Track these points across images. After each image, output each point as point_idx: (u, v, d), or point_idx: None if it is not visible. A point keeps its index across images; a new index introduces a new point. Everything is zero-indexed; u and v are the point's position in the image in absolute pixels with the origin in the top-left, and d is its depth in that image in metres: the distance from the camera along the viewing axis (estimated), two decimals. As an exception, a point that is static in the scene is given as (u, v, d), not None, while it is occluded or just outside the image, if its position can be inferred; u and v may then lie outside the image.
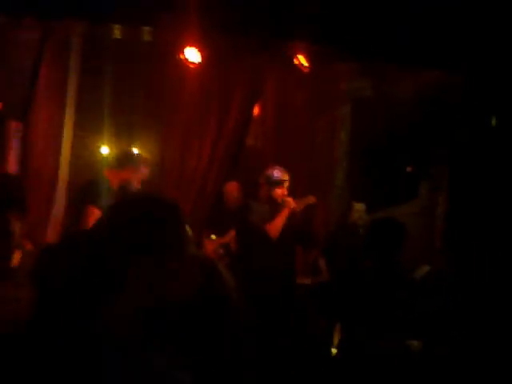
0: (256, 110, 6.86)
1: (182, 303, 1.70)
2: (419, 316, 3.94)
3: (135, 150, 5.12)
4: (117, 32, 5.38)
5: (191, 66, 6.02)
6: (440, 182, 6.69)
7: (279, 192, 5.19)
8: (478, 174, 5.77)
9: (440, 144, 6.26)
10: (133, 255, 1.84)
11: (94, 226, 2.25)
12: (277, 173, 5.21)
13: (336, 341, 4.45)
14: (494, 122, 6.00)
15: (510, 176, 5.81)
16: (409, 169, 6.64)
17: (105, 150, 6.68)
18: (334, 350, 4.37)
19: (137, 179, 4.69)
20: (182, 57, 5.90)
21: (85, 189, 4.57)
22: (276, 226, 5.08)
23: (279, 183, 5.18)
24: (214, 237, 6.19)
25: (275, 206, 5.19)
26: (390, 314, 3.88)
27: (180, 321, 1.68)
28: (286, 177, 5.23)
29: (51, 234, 6.07)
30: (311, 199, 5.78)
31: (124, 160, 4.69)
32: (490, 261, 4.92)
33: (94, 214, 4.17)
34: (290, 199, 5.21)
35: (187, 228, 2.10)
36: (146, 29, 5.33)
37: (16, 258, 2.93)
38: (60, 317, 1.82)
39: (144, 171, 4.76)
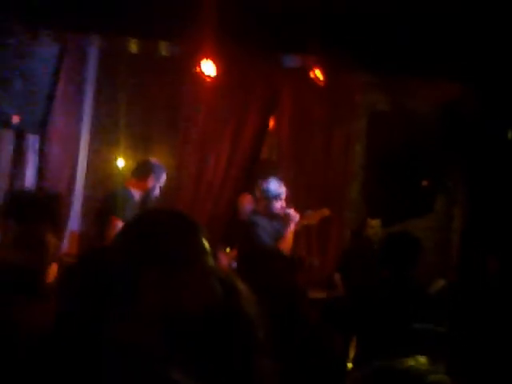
0: (271, 123, 6.87)
1: (199, 316, 1.70)
2: (432, 330, 3.92)
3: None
4: (133, 46, 5.41)
5: (207, 79, 6.05)
6: (456, 196, 6.66)
7: (278, 205, 5.11)
8: (495, 188, 5.73)
9: (457, 158, 6.23)
10: (149, 267, 1.84)
11: (113, 241, 2.25)
12: (274, 185, 5.13)
13: (352, 355, 4.42)
14: (510, 135, 5.96)
15: None
16: (425, 183, 6.61)
17: (121, 162, 6.71)
18: (349, 365, 4.34)
19: (158, 188, 4.72)
20: (198, 70, 5.92)
21: (108, 201, 4.59)
22: (288, 242, 5.04)
23: (278, 196, 5.11)
24: (228, 250, 6.19)
25: (278, 220, 5.13)
26: (404, 329, 3.85)
27: (195, 334, 1.67)
28: (282, 189, 5.17)
29: (68, 247, 6.10)
30: (326, 212, 5.77)
31: (146, 170, 4.73)
32: (504, 276, 4.89)
33: (119, 226, 4.18)
34: (292, 211, 5.15)
35: (205, 241, 2.10)
36: (162, 43, 5.35)
37: (52, 272, 2.92)
38: (76, 332, 1.82)
39: (163, 179, 4.80)
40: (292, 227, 5.07)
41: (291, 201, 6.59)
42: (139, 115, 6.51)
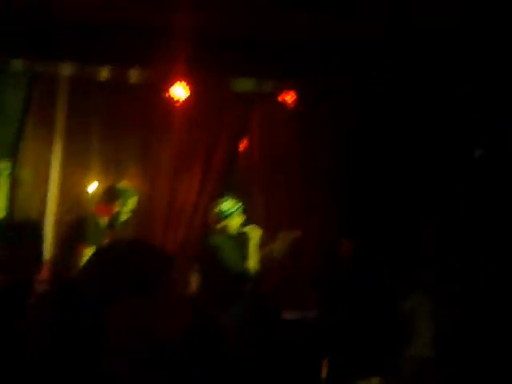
0: (242, 146, 6.93)
1: (171, 342, 1.74)
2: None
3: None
4: (104, 73, 5.45)
5: (178, 102, 6.11)
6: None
7: (234, 223, 5.18)
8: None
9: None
10: (119, 298, 1.87)
11: (82, 271, 2.28)
12: (228, 205, 5.20)
13: (324, 376, 4.47)
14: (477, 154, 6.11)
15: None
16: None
17: (93, 187, 6.70)
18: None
19: (126, 212, 4.72)
20: (168, 95, 5.99)
21: (76, 227, 4.59)
22: (253, 259, 5.09)
23: (231, 215, 5.15)
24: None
25: (237, 238, 5.20)
26: (376, 353, 3.91)
27: (169, 359, 1.71)
28: (237, 205, 5.22)
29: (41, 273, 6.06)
30: (298, 233, 5.83)
31: (112, 195, 4.74)
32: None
33: (86, 252, 4.19)
34: (252, 227, 5.20)
35: (173, 269, 2.14)
36: (133, 69, 5.40)
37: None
38: (50, 358, 1.84)
39: (132, 203, 4.79)
40: (254, 243, 5.12)
41: (264, 223, 6.67)
42: (111, 140, 6.52)
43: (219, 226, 5.16)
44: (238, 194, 6.36)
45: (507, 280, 4.97)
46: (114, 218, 4.62)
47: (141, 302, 1.85)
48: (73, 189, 6.69)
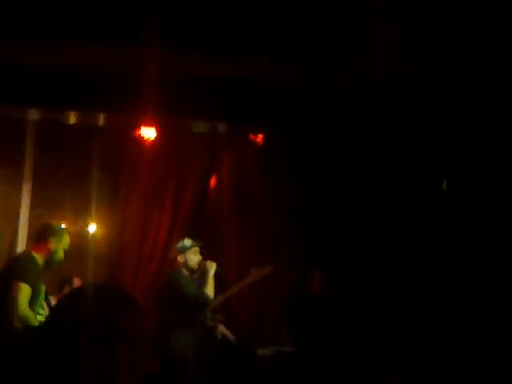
0: (212, 182, 6.98)
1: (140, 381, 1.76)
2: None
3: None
4: (71, 118, 5.48)
5: (147, 142, 6.16)
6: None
7: (195, 258, 5.38)
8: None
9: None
10: (83, 345, 1.88)
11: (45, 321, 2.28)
12: (187, 241, 5.40)
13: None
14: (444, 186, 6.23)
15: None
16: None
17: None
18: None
19: (61, 249, 4.73)
20: (137, 134, 6.03)
21: (10, 266, 4.59)
22: (210, 290, 5.29)
23: (189, 248, 5.33)
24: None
25: (198, 272, 5.39)
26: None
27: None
28: (197, 243, 5.39)
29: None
30: (269, 267, 5.87)
31: (46, 232, 4.73)
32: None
33: (23, 290, 4.22)
34: (208, 262, 5.40)
35: (140, 313, 2.16)
36: (101, 114, 5.44)
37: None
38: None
39: (66, 240, 4.81)
40: (211, 275, 5.31)
41: (235, 258, 6.70)
42: (80, 179, 6.52)
43: (180, 261, 5.35)
44: (208, 231, 6.43)
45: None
46: (50, 257, 4.62)
47: (108, 349, 1.87)
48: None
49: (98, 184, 6.47)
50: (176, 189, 6.72)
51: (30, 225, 6.49)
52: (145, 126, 5.94)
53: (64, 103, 5.24)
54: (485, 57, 5.33)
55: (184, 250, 5.37)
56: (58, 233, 4.62)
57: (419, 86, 5.51)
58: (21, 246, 6.56)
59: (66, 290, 5.91)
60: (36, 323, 4.12)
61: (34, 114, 6.00)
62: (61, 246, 4.61)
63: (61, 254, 4.59)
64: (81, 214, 6.61)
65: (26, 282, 4.24)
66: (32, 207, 6.55)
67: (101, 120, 5.70)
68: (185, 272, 5.33)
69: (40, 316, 4.25)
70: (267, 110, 5.31)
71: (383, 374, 4.51)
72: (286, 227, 6.85)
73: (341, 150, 6.31)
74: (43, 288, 4.40)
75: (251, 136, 6.04)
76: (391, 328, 5.65)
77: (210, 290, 5.28)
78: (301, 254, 6.79)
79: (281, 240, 6.88)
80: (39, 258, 4.48)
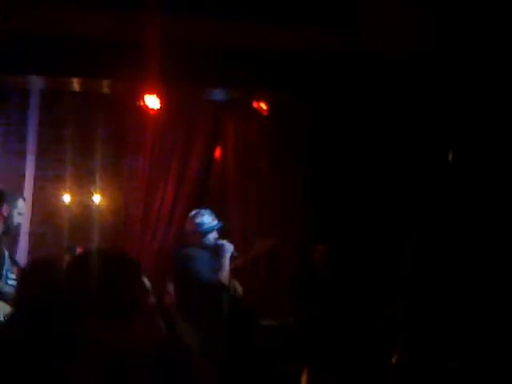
0: (217, 153, 6.93)
1: (145, 353, 1.73)
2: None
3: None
4: (76, 85, 5.42)
5: (151, 112, 6.09)
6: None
7: (212, 238, 5.12)
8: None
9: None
10: (94, 310, 1.85)
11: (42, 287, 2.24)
12: (207, 219, 5.13)
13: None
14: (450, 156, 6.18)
15: None
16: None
17: (67, 198, 6.66)
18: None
19: (16, 213, 4.72)
20: (141, 104, 5.97)
21: None
22: (225, 273, 5.06)
23: (212, 230, 5.15)
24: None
25: (213, 252, 5.13)
26: (356, 360, 3.90)
27: (144, 376, 1.70)
28: (215, 221, 5.19)
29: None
30: (275, 239, 5.82)
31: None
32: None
33: None
34: (226, 242, 5.16)
35: (146, 280, 2.12)
36: (105, 80, 5.38)
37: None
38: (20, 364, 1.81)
39: (21, 204, 4.79)
40: (227, 257, 5.09)
41: (240, 229, 6.66)
42: (84, 151, 6.50)
43: (195, 238, 5.11)
44: (213, 202, 6.37)
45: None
46: (8, 223, 4.61)
47: (114, 324, 1.82)
48: (46, 201, 6.66)
49: (102, 155, 6.44)
50: (180, 159, 6.67)
51: (34, 195, 6.47)
52: (148, 94, 5.87)
53: (67, 69, 5.18)
54: (485, 25, 5.26)
55: (208, 230, 5.07)
56: (9, 198, 4.61)
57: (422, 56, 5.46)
58: (24, 219, 6.54)
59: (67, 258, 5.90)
60: (7, 288, 4.13)
61: (37, 83, 5.94)
62: (15, 211, 4.60)
63: (17, 219, 4.59)
64: (85, 185, 6.59)
65: None
66: (36, 179, 6.53)
67: (104, 88, 5.63)
68: (201, 253, 5.04)
69: (10, 280, 4.25)
70: (272, 77, 5.24)
71: (385, 344, 4.49)
72: (291, 199, 6.82)
73: (345, 120, 6.26)
74: (6, 252, 4.39)
75: (255, 104, 5.97)
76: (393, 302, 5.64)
77: (225, 275, 4.98)
78: (305, 226, 6.77)
79: (286, 213, 6.85)
80: None
